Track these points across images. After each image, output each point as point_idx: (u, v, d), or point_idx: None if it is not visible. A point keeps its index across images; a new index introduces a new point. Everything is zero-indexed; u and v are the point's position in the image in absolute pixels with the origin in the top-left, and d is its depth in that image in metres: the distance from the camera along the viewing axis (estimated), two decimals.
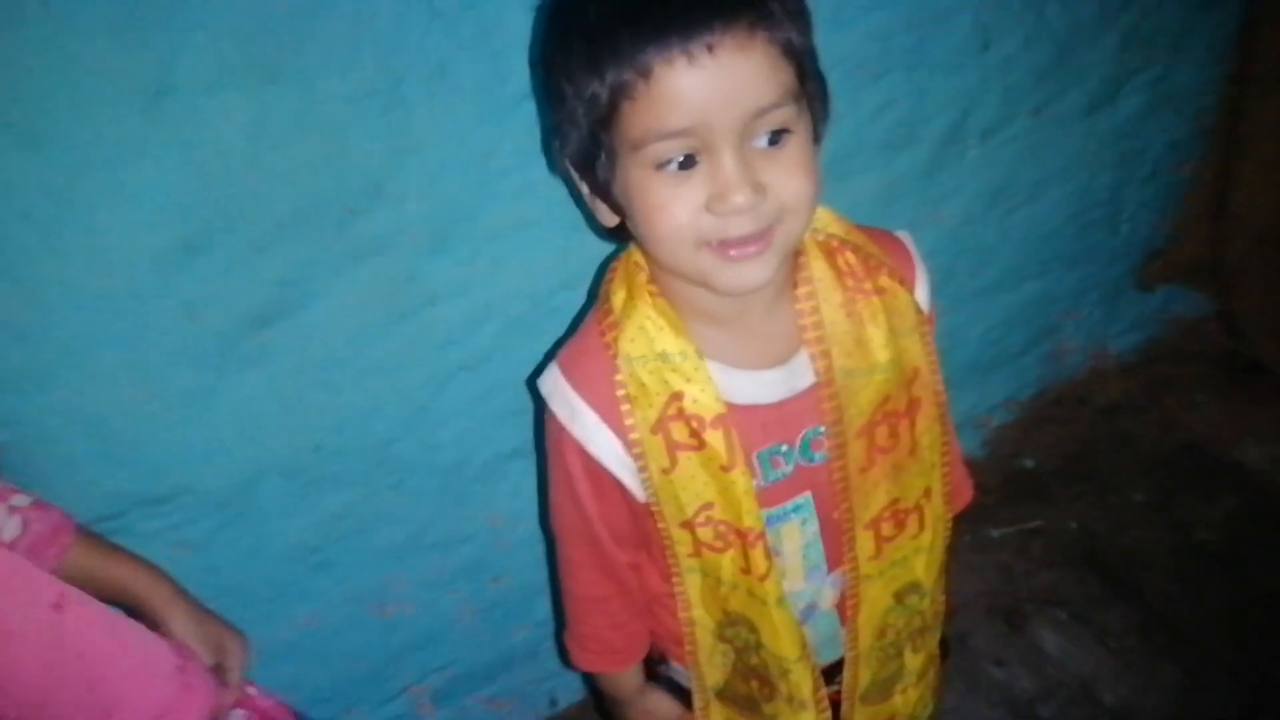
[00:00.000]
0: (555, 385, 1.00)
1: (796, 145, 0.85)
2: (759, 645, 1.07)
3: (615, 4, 0.81)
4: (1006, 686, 1.68)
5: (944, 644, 1.45)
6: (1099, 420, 2.10)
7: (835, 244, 0.99)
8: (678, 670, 1.21)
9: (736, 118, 0.81)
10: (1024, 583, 1.83)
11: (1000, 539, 1.89)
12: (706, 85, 0.80)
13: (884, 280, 0.98)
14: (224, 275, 1.13)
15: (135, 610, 1.06)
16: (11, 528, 0.98)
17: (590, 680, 1.29)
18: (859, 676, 1.14)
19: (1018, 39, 1.57)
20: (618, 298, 0.98)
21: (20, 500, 1.00)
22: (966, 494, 1.25)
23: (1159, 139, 1.91)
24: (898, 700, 1.19)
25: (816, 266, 0.97)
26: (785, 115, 0.83)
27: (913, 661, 1.17)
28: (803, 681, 1.08)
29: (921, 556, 1.10)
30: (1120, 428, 2.08)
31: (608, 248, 1.26)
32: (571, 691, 1.76)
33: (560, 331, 1.33)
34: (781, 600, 1.03)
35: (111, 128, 1.01)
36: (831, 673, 1.15)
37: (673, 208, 0.85)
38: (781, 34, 0.82)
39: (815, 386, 0.98)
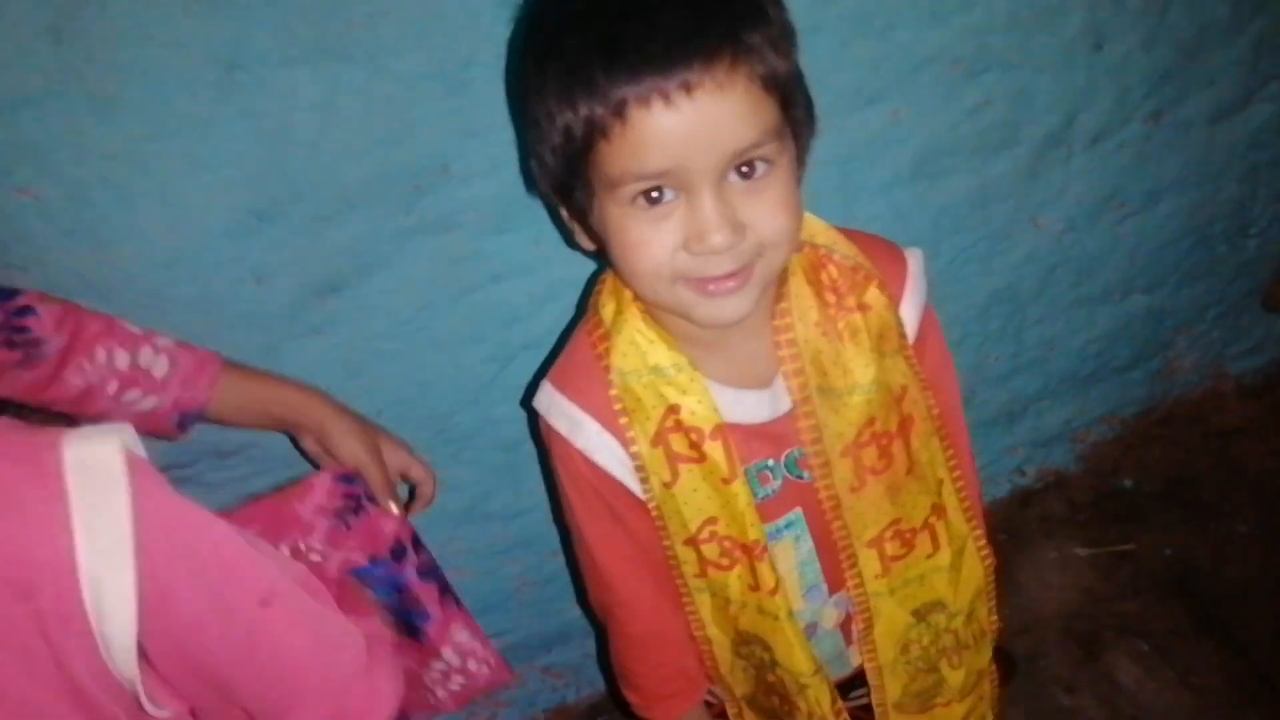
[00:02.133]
0: (551, 400, 1.01)
1: (778, 181, 0.83)
2: (774, 663, 1.06)
3: (592, 37, 0.78)
4: (1073, 714, 1.62)
5: (1009, 662, 1.41)
6: (1209, 444, 1.99)
7: (821, 254, 0.96)
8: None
9: (715, 159, 0.79)
10: (1106, 607, 1.75)
11: (1087, 559, 1.82)
12: (683, 127, 0.77)
13: (870, 295, 0.96)
14: (291, 244, 1.17)
15: (296, 434, 1.10)
16: (160, 366, 1.04)
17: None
18: (887, 686, 1.12)
19: (1135, 40, 1.49)
20: (607, 310, 0.97)
21: (164, 341, 1.06)
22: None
23: None
24: (940, 713, 1.17)
25: (795, 283, 0.95)
26: (766, 152, 0.81)
27: (953, 677, 1.14)
28: (821, 697, 1.08)
29: (943, 577, 1.08)
30: (1232, 454, 1.97)
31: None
32: None
33: None
34: (792, 615, 1.02)
35: (185, 99, 1.05)
36: (843, 688, 1.14)
37: (651, 246, 0.84)
38: (764, 67, 0.79)
39: (793, 410, 0.97)
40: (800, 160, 0.88)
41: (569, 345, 1.04)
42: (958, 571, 1.08)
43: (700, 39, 0.76)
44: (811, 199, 1.38)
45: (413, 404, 1.34)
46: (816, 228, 0.98)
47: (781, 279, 0.95)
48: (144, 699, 0.75)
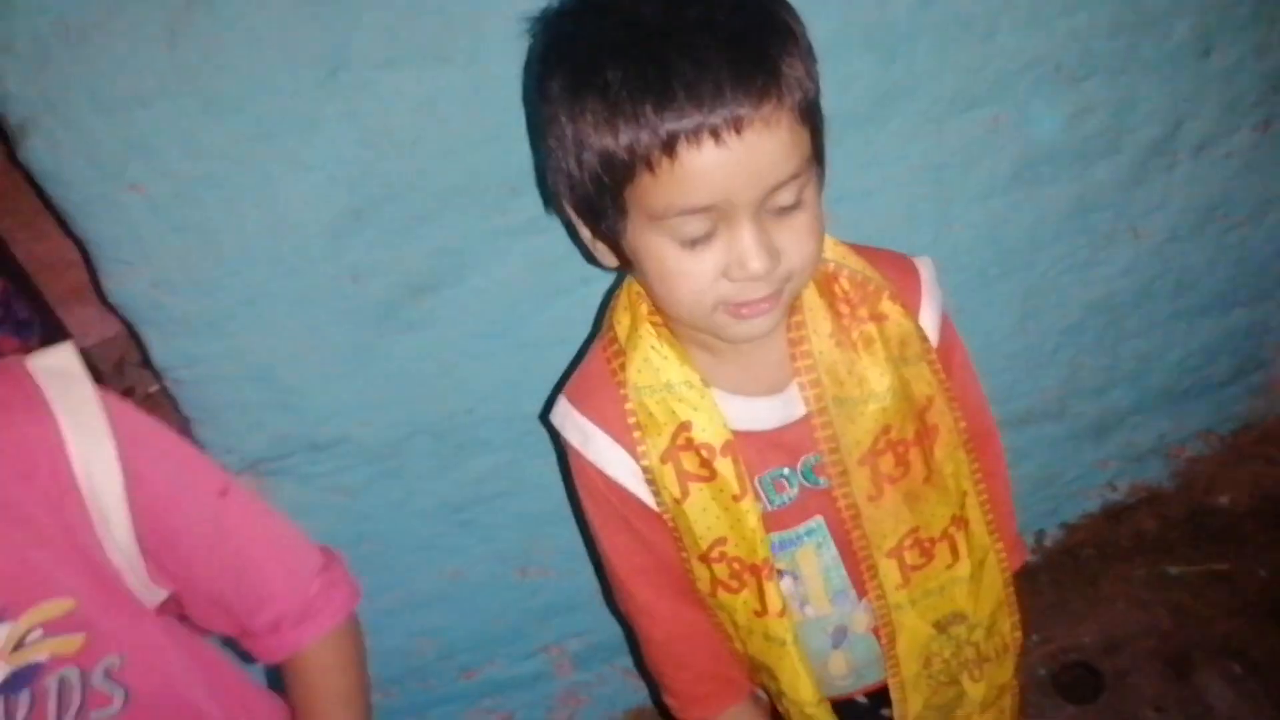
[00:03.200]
0: (566, 414, 1.02)
1: (809, 209, 0.84)
2: (780, 693, 1.07)
3: (639, 76, 0.76)
4: None
5: (1096, 678, 1.38)
6: None
7: (831, 268, 0.97)
8: None
9: (759, 192, 0.80)
10: (1199, 627, 1.71)
11: (1179, 577, 1.77)
12: (731, 164, 0.77)
13: (884, 306, 0.97)
14: (388, 243, 1.19)
15: None
16: None
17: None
18: (908, 701, 1.12)
19: (1246, 46, 1.45)
20: (622, 326, 0.98)
21: None
22: (1015, 557, 1.18)
23: None
24: None
25: (808, 297, 0.96)
26: (802, 181, 0.82)
27: (974, 690, 1.13)
28: None
29: (962, 587, 1.07)
30: None
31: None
32: None
33: None
34: (797, 640, 1.02)
35: (290, 99, 1.07)
36: (879, 699, 1.14)
37: (693, 276, 0.84)
38: (802, 96, 0.80)
39: (809, 415, 0.97)
40: (823, 186, 0.89)
41: (585, 360, 1.05)
42: (978, 583, 1.08)
43: (750, 78, 0.76)
44: (907, 206, 1.38)
45: (501, 402, 1.35)
46: (826, 243, 0.97)
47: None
48: (145, 573, 0.83)
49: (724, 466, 0.95)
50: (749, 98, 0.76)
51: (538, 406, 1.37)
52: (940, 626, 1.08)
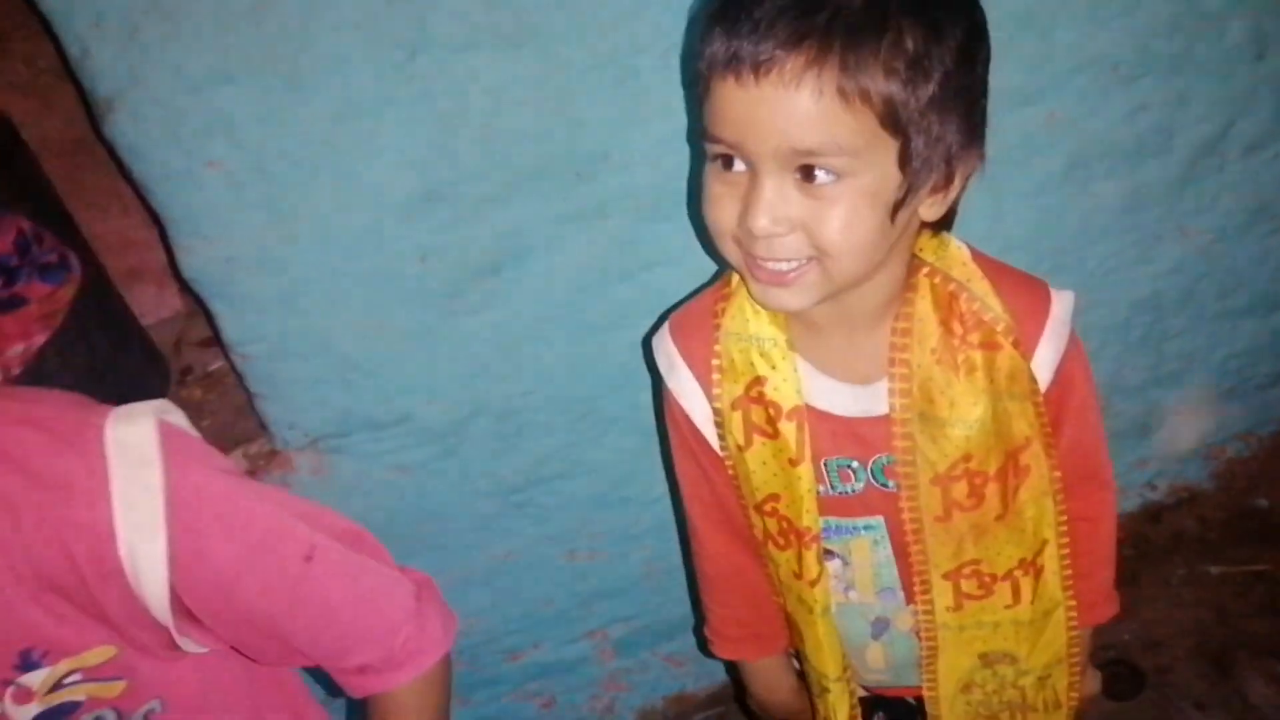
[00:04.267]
0: (661, 341, 1.05)
1: (846, 191, 0.81)
2: (805, 657, 1.07)
3: (724, 2, 0.80)
4: None
5: (1137, 676, 1.38)
6: None
7: (953, 287, 0.94)
8: None
9: (773, 148, 0.79)
10: (1240, 626, 1.72)
11: (1219, 577, 1.78)
12: (746, 108, 0.78)
13: (999, 338, 0.94)
14: (457, 225, 1.21)
15: None
16: None
17: (735, 677, 1.27)
18: (944, 717, 1.12)
19: None
20: (735, 275, 0.99)
21: None
22: (1106, 609, 1.15)
23: None
24: None
25: (922, 306, 0.94)
26: (836, 164, 0.79)
27: None
28: (839, 705, 1.09)
29: (1019, 630, 1.06)
30: None
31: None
32: None
33: None
34: (827, 611, 1.03)
35: (369, 80, 1.09)
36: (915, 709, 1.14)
37: (721, 204, 0.86)
38: (854, 83, 0.76)
39: (890, 418, 0.97)
40: (912, 185, 0.83)
41: (697, 297, 1.07)
42: (1039, 632, 1.06)
43: (799, 35, 0.76)
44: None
45: (560, 385, 1.37)
46: (955, 259, 0.96)
47: (907, 297, 0.94)
48: (177, 636, 0.82)
49: (787, 429, 0.96)
50: (780, 46, 0.76)
51: (596, 390, 1.39)
52: (986, 660, 1.08)
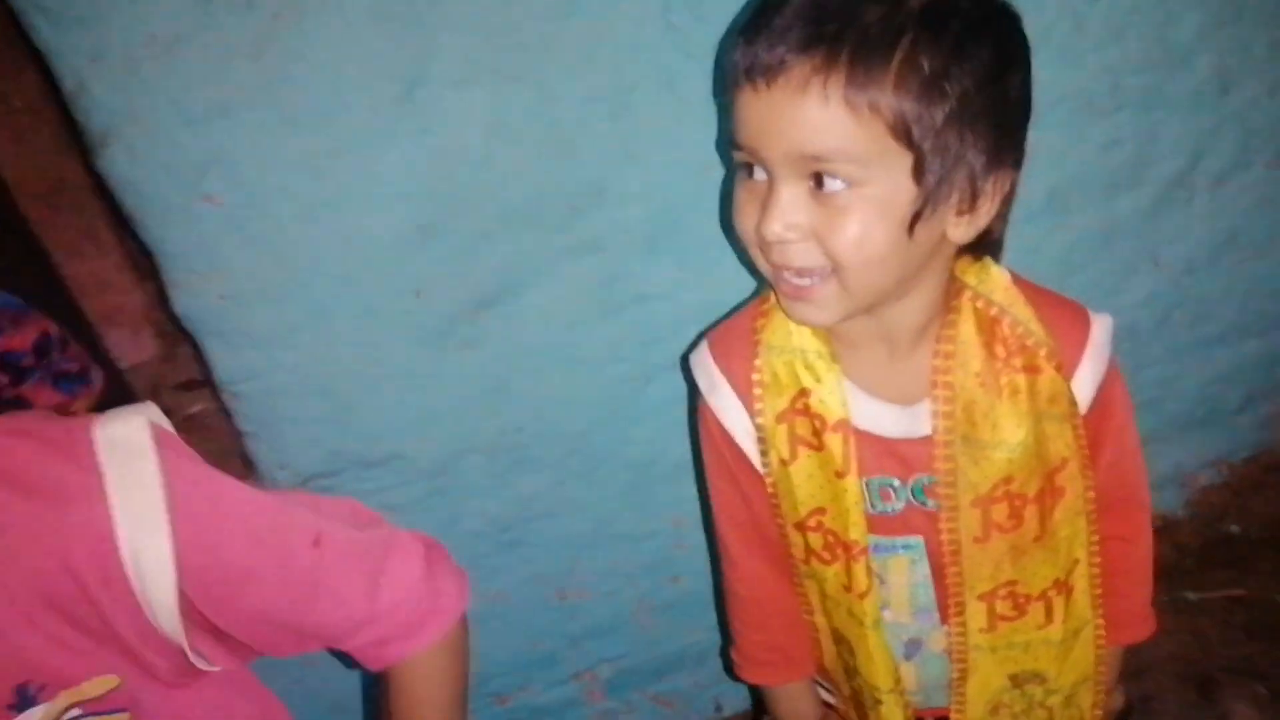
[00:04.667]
0: (701, 359, 1.05)
1: (856, 200, 0.81)
2: (855, 670, 1.07)
3: (750, 16, 0.83)
4: None
5: (1124, 704, 1.39)
6: None
7: (995, 312, 0.95)
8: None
9: (784, 153, 0.81)
10: (1220, 651, 1.74)
11: (1198, 603, 1.81)
12: (760, 113, 0.81)
13: (1040, 361, 0.95)
14: (451, 260, 1.20)
15: None
16: None
17: (758, 698, 1.27)
18: None
19: (1261, 85, 1.51)
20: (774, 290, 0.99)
21: None
22: (1134, 630, 1.16)
23: None
24: None
25: (965, 329, 0.95)
26: (844, 170, 0.80)
27: None
28: (893, 717, 1.08)
29: (1049, 650, 1.06)
30: None
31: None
32: (737, 699, 1.78)
33: None
34: (878, 624, 1.03)
35: (368, 114, 1.09)
36: None
37: (744, 211, 0.88)
38: (862, 94, 0.77)
39: (932, 439, 0.97)
40: (928, 201, 0.83)
41: (735, 315, 1.07)
42: (1068, 651, 1.07)
43: (801, 38, 0.78)
44: None
45: (552, 421, 1.36)
46: (997, 283, 0.97)
47: (950, 320, 0.95)
48: (190, 654, 0.79)
49: (833, 441, 0.96)
50: (791, 53, 0.78)
51: (586, 425, 1.38)
52: (1016, 681, 1.08)
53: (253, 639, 0.86)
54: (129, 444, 0.74)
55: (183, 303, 1.15)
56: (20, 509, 0.70)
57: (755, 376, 0.99)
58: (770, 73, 0.79)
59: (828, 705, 1.22)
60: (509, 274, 1.24)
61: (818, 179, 0.81)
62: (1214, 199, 1.59)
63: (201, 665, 0.82)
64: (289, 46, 1.04)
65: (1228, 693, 1.68)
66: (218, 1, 1.00)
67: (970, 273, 0.96)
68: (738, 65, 0.82)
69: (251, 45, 1.03)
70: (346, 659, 0.97)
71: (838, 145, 0.79)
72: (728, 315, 1.10)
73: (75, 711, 0.74)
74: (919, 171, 0.81)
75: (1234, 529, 1.93)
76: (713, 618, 1.63)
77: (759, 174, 0.85)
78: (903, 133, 0.79)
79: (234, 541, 0.80)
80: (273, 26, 1.03)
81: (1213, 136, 1.53)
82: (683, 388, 1.39)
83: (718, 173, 1.25)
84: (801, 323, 0.92)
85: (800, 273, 0.86)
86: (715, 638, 1.66)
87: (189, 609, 0.77)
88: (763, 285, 1.02)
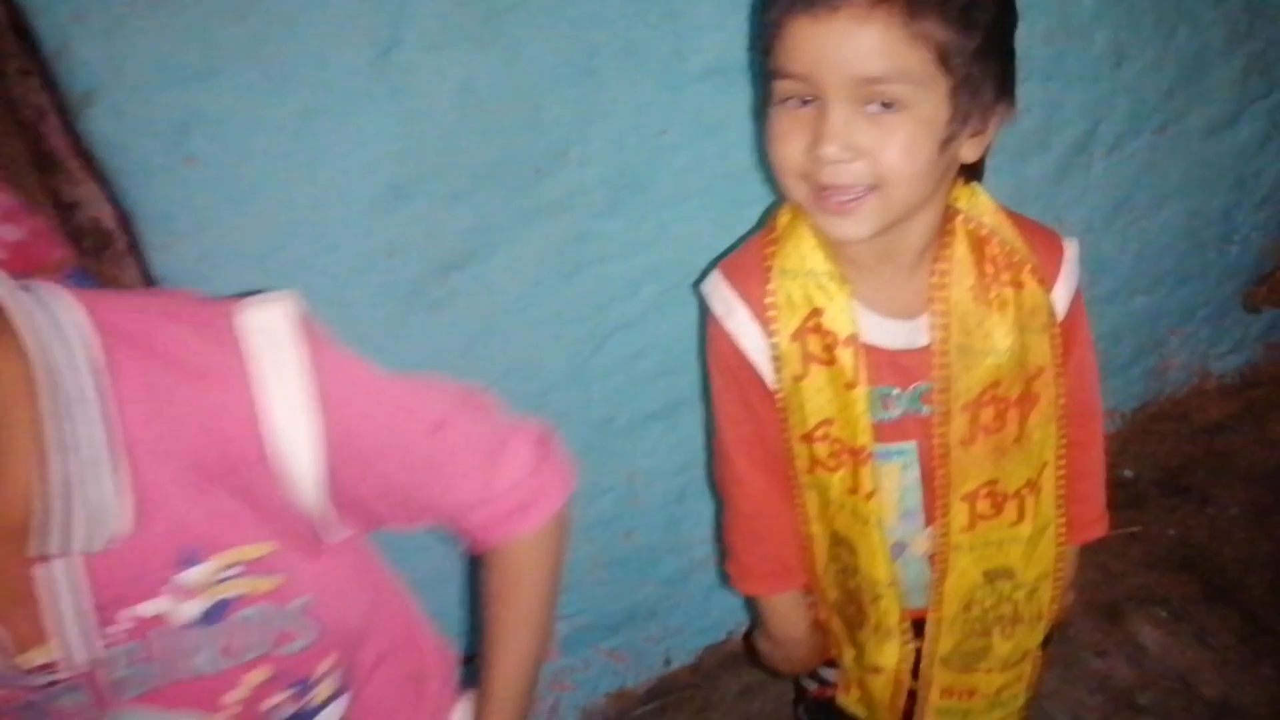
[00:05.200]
0: (716, 286, 1.10)
1: (907, 123, 0.90)
2: (855, 568, 1.14)
3: None
4: (1106, 676, 1.74)
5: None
6: (1199, 437, 2.16)
7: (985, 232, 1.05)
8: None
9: (844, 77, 0.88)
10: (1123, 582, 1.88)
11: (1099, 541, 1.95)
12: (820, 41, 0.88)
13: (1024, 276, 1.05)
14: (422, 221, 1.24)
15: None
16: None
17: (752, 612, 1.34)
18: (940, 639, 1.18)
19: (1148, 58, 1.66)
20: (783, 219, 1.07)
21: None
22: (1090, 528, 1.26)
23: (1275, 165, 1.98)
24: (980, 679, 1.23)
25: (959, 249, 1.04)
26: (898, 91, 0.89)
27: (1001, 646, 1.21)
28: (891, 609, 1.15)
29: (1017, 547, 1.15)
30: (1219, 445, 2.14)
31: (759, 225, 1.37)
32: (686, 654, 1.85)
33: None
34: (881, 524, 1.10)
35: (345, 76, 1.13)
36: (920, 626, 1.21)
37: (787, 139, 0.94)
38: (917, 24, 0.87)
39: (930, 349, 1.05)
40: (966, 127, 0.95)
41: (744, 245, 1.13)
42: (1034, 548, 1.15)
43: None
44: None
45: (517, 379, 1.40)
46: (985, 208, 1.06)
47: (945, 241, 1.04)
48: (324, 523, 0.83)
49: (844, 355, 1.03)
50: None
51: (549, 384, 1.43)
52: (989, 577, 1.15)
53: (375, 513, 0.88)
54: (273, 330, 0.77)
55: (162, 263, 1.15)
56: (177, 386, 0.72)
57: (769, 300, 1.05)
58: (829, 5, 0.87)
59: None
60: (477, 235, 1.28)
61: (870, 99, 0.89)
62: (1109, 164, 1.73)
63: (334, 536, 0.86)
64: (272, 9, 1.07)
65: (1132, 618, 1.82)
66: None
67: (962, 197, 1.05)
68: (789, 1, 0.89)
69: (235, 8, 1.06)
70: (453, 538, 1.00)
71: (895, 68, 0.88)
72: (726, 253, 1.17)
73: (236, 569, 0.77)
74: (955, 95, 0.91)
75: (1127, 473, 2.09)
76: (664, 571, 1.70)
77: (806, 103, 0.92)
78: (944, 58, 0.89)
79: (366, 422, 0.82)
80: None
81: (1108, 105, 1.67)
82: (638, 344, 1.45)
83: (672, 137, 1.32)
84: (840, 238, 0.98)
85: (845, 190, 0.93)
86: (666, 592, 1.73)
87: (328, 485, 0.80)
88: (762, 220, 1.09)
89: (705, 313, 1.12)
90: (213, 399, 0.73)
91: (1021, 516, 1.13)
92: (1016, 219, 1.09)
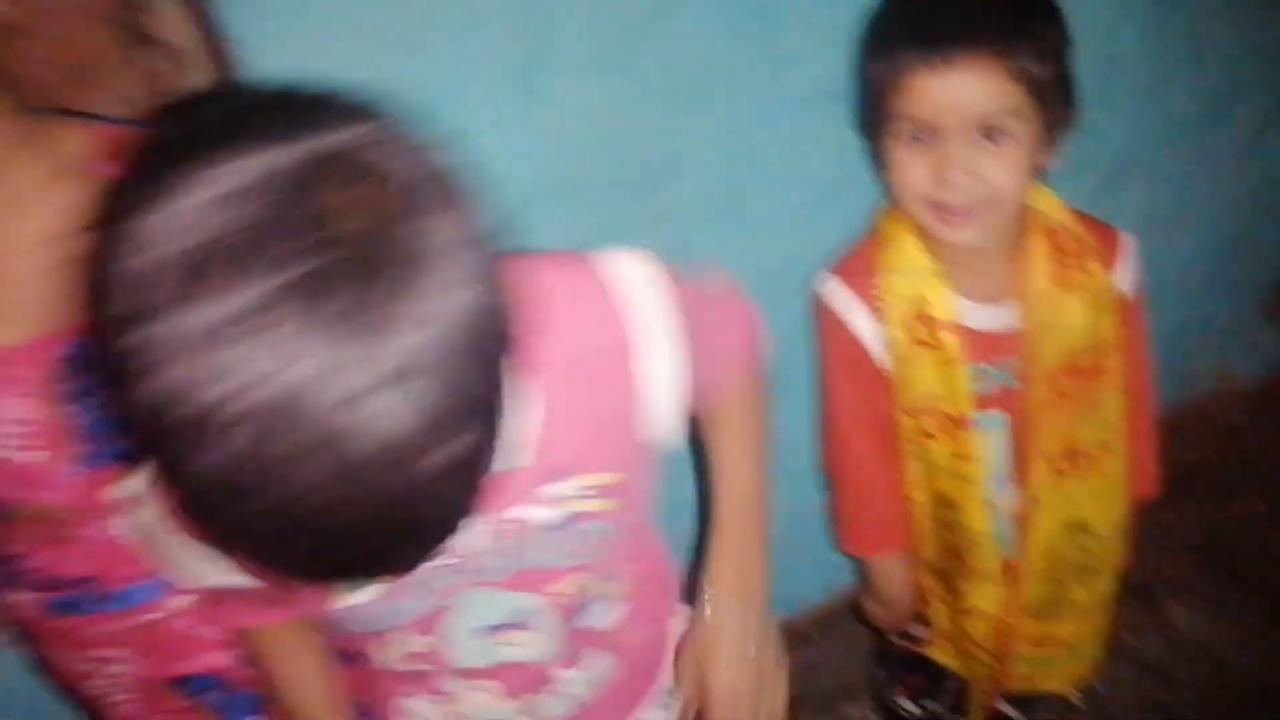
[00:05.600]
0: (832, 286, 1.30)
1: (1011, 147, 1.11)
2: (957, 522, 1.31)
3: (905, 16, 1.15)
4: (1141, 651, 1.91)
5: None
6: (1222, 440, 2.31)
7: (1056, 228, 1.24)
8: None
9: (960, 118, 1.09)
10: (1153, 569, 2.01)
11: (1135, 528, 2.09)
12: (938, 90, 1.09)
13: (1092, 264, 1.24)
14: (548, 228, 1.34)
15: None
16: None
17: (860, 575, 1.49)
18: (1027, 590, 1.34)
19: (1184, 87, 1.81)
20: (886, 227, 1.27)
21: None
22: (1146, 485, 1.44)
23: None
24: (1060, 626, 1.39)
25: (1037, 242, 1.23)
26: (1003, 123, 1.09)
27: (1078, 594, 1.37)
28: (990, 555, 1.31)
29: (1094, 501, 1.32)
30: (1241, 448, 2.31)
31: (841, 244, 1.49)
32: None
33: (798, 308, 1.50)
34: (981, 481, 1.27)
35: (487, 101, 1.27)
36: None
37: (910, 169, 1.15)
38: (1018, 64, 1.08)
39: (1016, 329, 1.24)
40: (1046, 142, 1.15)
41: (851, 249, 1.33)
42: (1106, 502, 1.33)
43: (971, 33, 1.08)
44: None
45: None
46: (1054, 206, 1.25)
47: (1025, 236, 1.23)
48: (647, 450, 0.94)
49: (947, 338, 1.22)
50: (969, 43, 1.07)
51: None
52: (1069, 529, 1.32)
53: None
54: (639, 276, 0.89)
55: None
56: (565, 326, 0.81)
57: (878, 295, 1.25)
58: (949, 58, 1.08)
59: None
60: (596, 243, 1.41)
61: (984, 133, 1.10)
62: (1145, 184, 1.89)
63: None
64: (429, 45, 1.21)
65: (1163, 601, 1.98)
66: None
67: (1035, 197, 1.23)
68: (910, 56, 1.10)
69: (399, 46, 1.20)
70: None
71: (1000, 106, 1.09)
72: (842, 257, 1.34)
73: (591, 491, 0.89)
74: (1045, 118, 1.12)
75: None
76: None
77: (926, 138, 1.12)
78: (1036, 90, 1.10)
79: (700, 361, 0.92)
80: (423, 24, 1.20)
81: (1145, 130, 1.83)
82: None
83: (767, 156, 1.49)
84: (957, 242, 1.17)
85: (963, 207, 1.13)
86: None
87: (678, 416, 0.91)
88: (845, 229, 1.37)
89: (816, 312, 1.27)
90: (595, 339, 0.85)
91: (1095, 473, 1.30)
92: (1079, 215, 1.27)
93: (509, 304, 0.60)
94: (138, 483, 0.85)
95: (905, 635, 1.50)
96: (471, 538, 0.80)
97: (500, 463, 0.63)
